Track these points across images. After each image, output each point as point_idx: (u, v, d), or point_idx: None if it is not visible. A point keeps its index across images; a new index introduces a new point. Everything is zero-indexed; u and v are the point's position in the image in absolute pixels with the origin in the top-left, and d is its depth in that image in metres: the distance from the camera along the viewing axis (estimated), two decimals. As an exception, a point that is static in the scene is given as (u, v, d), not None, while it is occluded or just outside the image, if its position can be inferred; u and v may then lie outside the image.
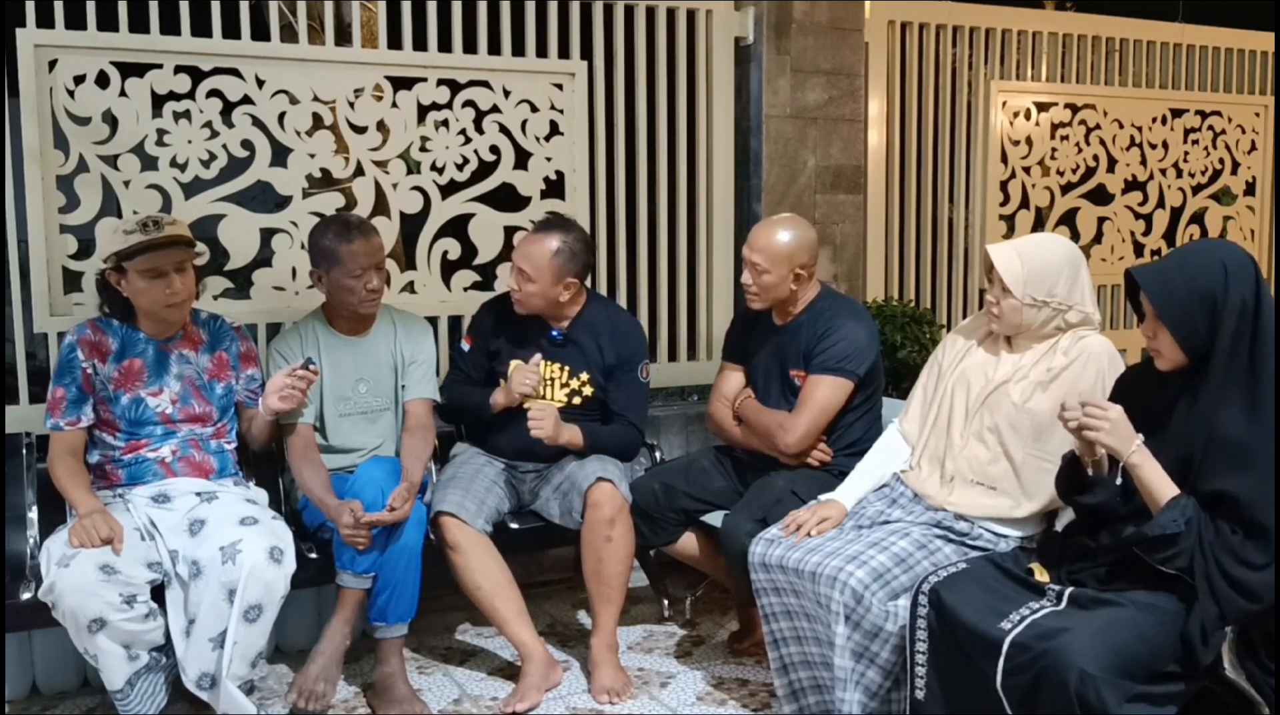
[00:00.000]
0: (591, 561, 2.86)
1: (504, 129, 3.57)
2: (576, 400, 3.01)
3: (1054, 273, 2.44)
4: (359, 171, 3.43)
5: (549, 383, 3.01)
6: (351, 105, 3.38)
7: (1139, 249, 4.78)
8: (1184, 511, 1.98)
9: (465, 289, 3.59)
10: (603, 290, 3.78)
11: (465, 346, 3.15)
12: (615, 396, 3.02)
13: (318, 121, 3.38)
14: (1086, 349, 2.43)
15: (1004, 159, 4.44)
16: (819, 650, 2.46)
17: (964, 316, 4.37)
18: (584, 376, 3.01)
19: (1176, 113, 4.78)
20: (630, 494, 2.92)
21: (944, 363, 2.65)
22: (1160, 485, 2.03)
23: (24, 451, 2.81)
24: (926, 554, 2.39)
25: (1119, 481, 2.09)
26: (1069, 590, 2.11)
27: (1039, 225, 4.56)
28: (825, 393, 2.82)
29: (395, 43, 3.46)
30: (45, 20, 3.01)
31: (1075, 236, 4.51)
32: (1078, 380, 2.41)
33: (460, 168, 3.53)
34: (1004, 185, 4.45)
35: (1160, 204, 4.80)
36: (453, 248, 3.58)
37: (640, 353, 3.05)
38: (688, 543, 3.02)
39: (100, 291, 2.63)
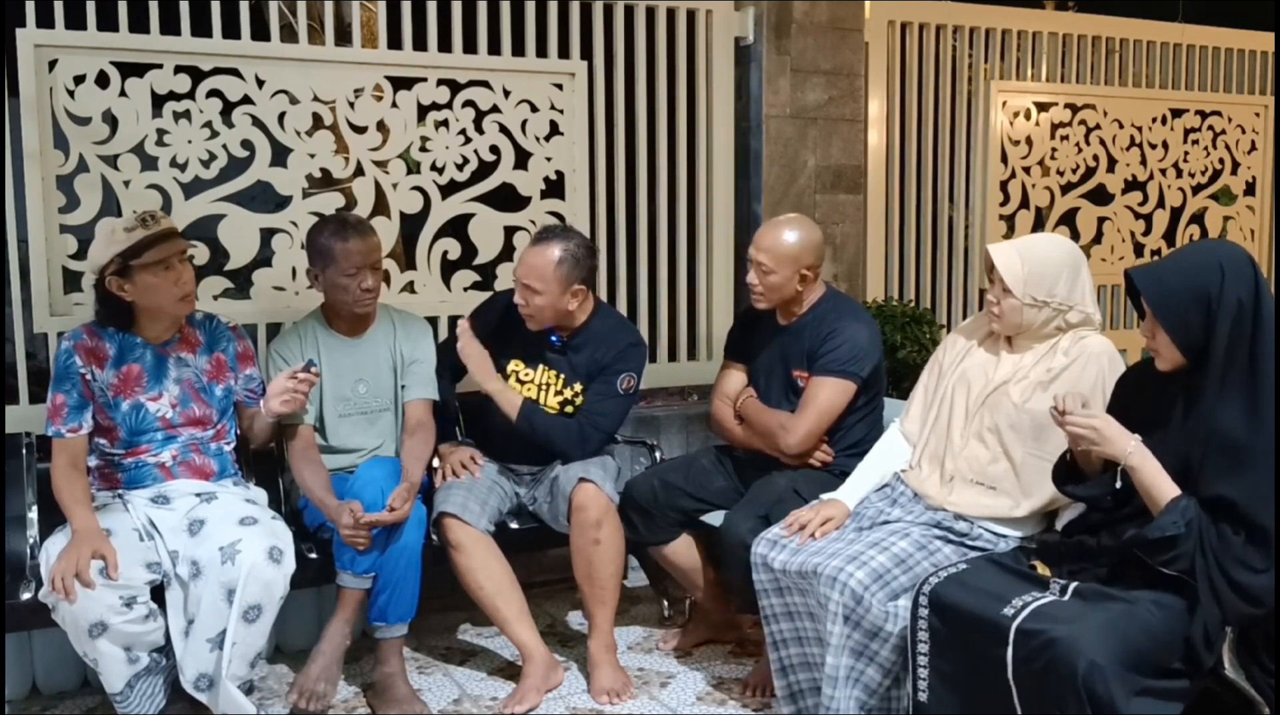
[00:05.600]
0: (582, 564, 2.86)
1: (504, 129, 3.57)
2: (569, 409, 2.99)
3: (1054, 273, 2.43)
4: (359, 171, 3.43)
5: (543, 389, 3.00)
6: (351, 105, 3.38)
7: (1139, 249, 4.78)
8: (1184, 513, 1.98)
9: (465, 289, 3.59)
10: (602, 291, 3.78)
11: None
12: (587, 398, 2.98)
13: (318, 121, 3.38)
14: (1087, 349, 2.43)
15: (1004, 159, 4.44)
16: (820, 651, 2.46)
17: (964, 316, 4.37)
18: (577, 387, 2.99)
19: (1176, 113, 4.78)
20: (616, 495, 2.91)
21: (945, 363, 2.65)
22: (1161, 486, 2.03)
23: (24, 452, 2.80)
24: (926, 554, 2.39)
25: (1118, 482, 2.09)
26: (1072, 585, 2.11)
27: (1039, 225, 4.56)
28: (828, 395, 2.81)
29: (395, 43, 3.46)
30: (45, 20, 3.01)
31: (1075, 236, 4.51)
32: (1078, 380, 2.40)
33: (460, 168, 3.53)
34: (1004, 185, 4.45)
35: (1160, 204, 4.80)
36: (453, 248, 3.58)
37: (627, 365, 2.97)
38: (680, 547, 3.00)
39: (99, 302, 2.56)
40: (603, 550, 2.84)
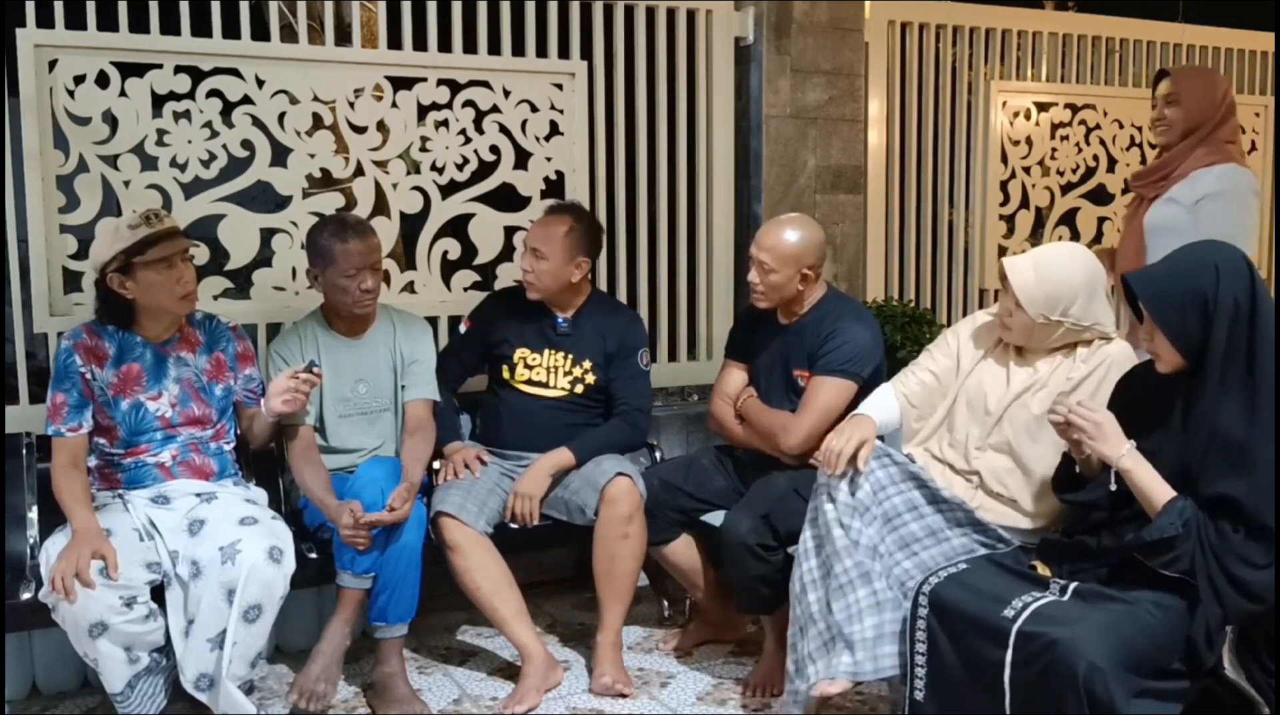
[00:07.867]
0: (604, 559, 2.86)
1: (504, 129, 3.57)
2: (579, 388, 3.04)
3: (1070, 294, 2.38)
4: (359, 171, 3.43)
5: (552, 371, 3.02)
6: (351, 105, 3.38)
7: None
8: (1181, 514, 1.98)
9: (465, 289, 3.59)
10: (603, 288, 3.79)
11: (463, 329, 3.19)
12: (616, 385, 3.07)
13: (318, 121, 3.37)
14: (1107, 356, 2.40)
15: (1004, 159, 4.43)
16: (816, 628, 2.38)
17: (964, 317, 4.36)
18: (586, 364, 3.05)
19: (1177, 113, 4.77)
20: (645, 493, 2.92)
21: (964, 363, 2.58)
22: (1154, 489, 2.03)
23: (24, 452, 2.80)
24: (935, 540, 2.35)
25: (1114, 485, 2.09)
26: (1073, 585, 2.11)
27: (1039, 225, 4.56)
28: (829, 395, 2.81)
29: (395, 43, 3.46)
30: (45, 20, 3.01)
31: (1075, 236, 4.51)
32: (1099, 388, 2.37)
33: (460, 168, 3.53)
34: (1004, 185, 4.45)
35: (1160, 204, 4.79)
36: (453, 248, 3.58)
37: (639, 341, 3.10)
38: (680, 547, 3.00)
39: (100, 299, 2.56)
40: (629, 545, 2.85)
